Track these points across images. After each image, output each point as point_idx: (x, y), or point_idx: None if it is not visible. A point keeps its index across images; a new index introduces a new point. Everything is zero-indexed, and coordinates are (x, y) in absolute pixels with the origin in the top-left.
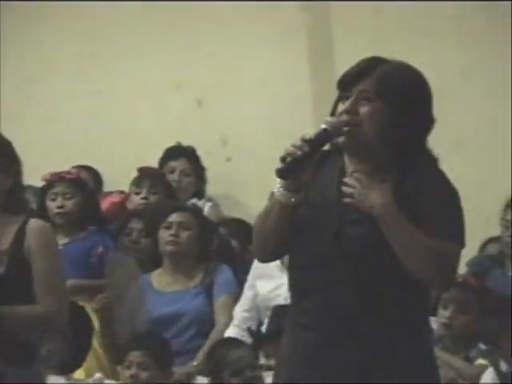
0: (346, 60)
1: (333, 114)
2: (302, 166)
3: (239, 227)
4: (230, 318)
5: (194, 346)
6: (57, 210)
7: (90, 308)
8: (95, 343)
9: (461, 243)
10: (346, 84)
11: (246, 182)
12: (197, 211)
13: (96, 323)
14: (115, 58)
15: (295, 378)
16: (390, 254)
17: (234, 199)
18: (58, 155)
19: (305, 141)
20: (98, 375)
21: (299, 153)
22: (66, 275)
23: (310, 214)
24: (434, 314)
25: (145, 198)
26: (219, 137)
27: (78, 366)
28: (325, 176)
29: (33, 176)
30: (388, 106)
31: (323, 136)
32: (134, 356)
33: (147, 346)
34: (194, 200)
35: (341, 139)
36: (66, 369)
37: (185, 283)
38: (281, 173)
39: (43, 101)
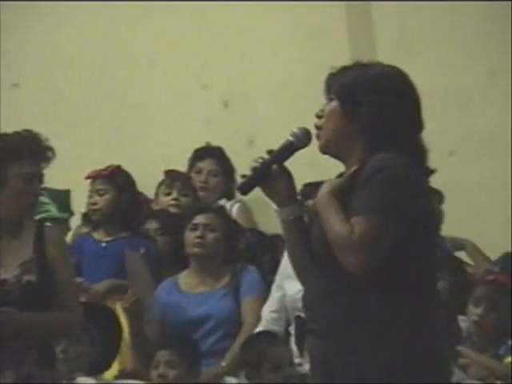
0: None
1: None
2: (264, 175)
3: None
4: (258, 319)
5: (222, 347)
6: (90, 207)
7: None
8: (123, 345)
9: (377, 213)
10: (327, 90)
11: None
12: (222, 212)
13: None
14: (141, 58)
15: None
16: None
17: (261, 200)
18: (83, 157)
19: (267, 153)
20: None
21: (256, 164)
22: (107, 275)
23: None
24: (464, 313)
25: (176, 199)
26: (246, 138)
27: (107, 367)
28: None
29: (56, 178)
30: (341, 104)
31: (289, 147)
32: (162, 355)
33: (175, 346)
34: (222, 201)
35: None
36: (95, 370)
37: (212, 285)
38: (240, 188)
39: (69, 103)
